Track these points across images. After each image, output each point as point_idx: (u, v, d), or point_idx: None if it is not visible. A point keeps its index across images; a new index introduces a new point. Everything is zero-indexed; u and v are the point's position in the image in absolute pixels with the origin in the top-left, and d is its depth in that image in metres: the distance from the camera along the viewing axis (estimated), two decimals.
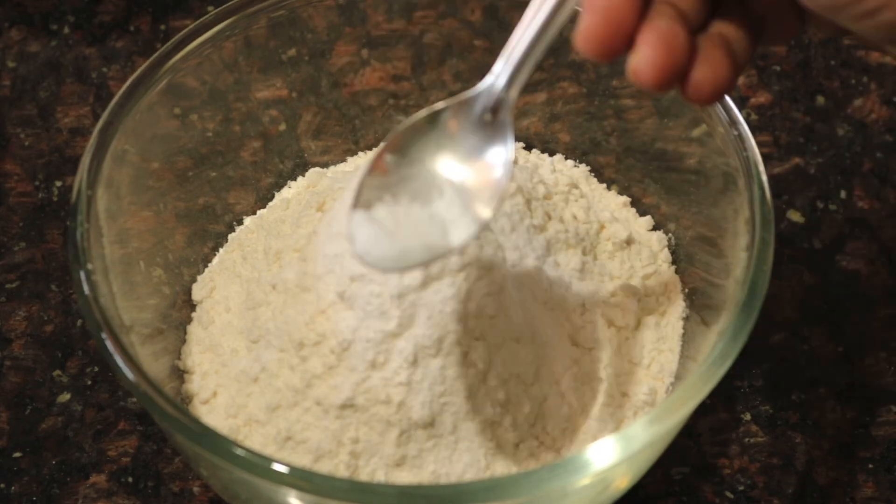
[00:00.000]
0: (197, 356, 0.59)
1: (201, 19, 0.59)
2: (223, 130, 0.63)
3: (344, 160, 0.66)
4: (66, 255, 0.52)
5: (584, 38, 0.42)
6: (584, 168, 0.65)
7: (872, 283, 0.66)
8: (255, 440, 0.55)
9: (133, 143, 0.57)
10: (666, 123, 0.62)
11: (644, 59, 0.42)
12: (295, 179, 0.66)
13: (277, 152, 0.65)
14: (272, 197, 0.65)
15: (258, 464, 0.46)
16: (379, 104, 0.66)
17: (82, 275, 0.51)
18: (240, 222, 0.64)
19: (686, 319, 0.60)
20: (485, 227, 0.47)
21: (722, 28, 0.44)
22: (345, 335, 0.52)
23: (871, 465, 0.60)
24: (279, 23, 0.61)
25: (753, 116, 0.72)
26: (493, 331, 0.53)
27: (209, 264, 0.63)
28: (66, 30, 0.76)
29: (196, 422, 0.48)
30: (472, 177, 0.47)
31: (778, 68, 0.74)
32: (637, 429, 0.48)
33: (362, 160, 0.65)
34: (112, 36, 0.76)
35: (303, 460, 0.53)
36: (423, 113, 0.47)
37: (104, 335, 0.50)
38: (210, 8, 0.75)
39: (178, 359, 0.59)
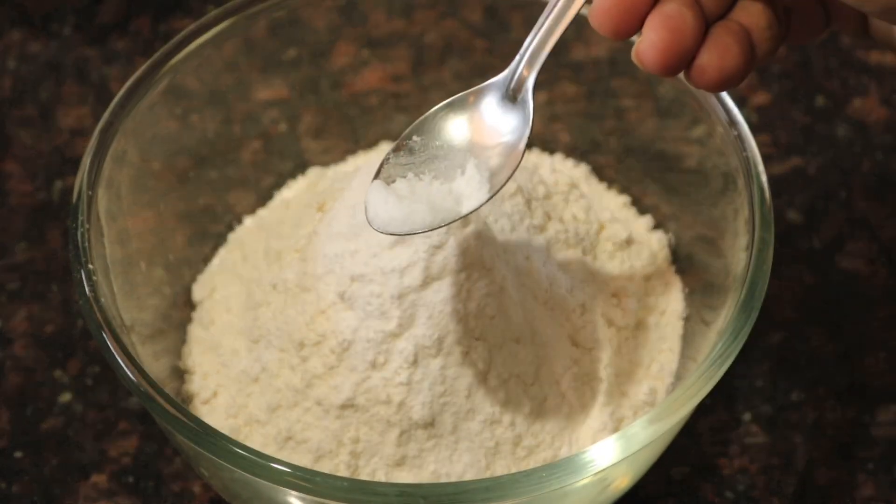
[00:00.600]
0: (197, 356, 0.59)
1: (201, 20, 0.59)
2: (223, 131, 0.63)
3: (344, 160, 0.66)
4: (67, 256, 0.52)
5: (598, 15, 0.43)
6: (584, 168, 0.65)
7: (872, 283, 0.66)
8: (256, 440, 0.55)
9: (133, 143, 0.57)
10: (666, 123, 0.62)
11: (647, 42, 0.43)
12: (295, 179, 0.66)
13: (277, 152, 0.65)
14: (272, 197, 0.65)
15: (259, 464, 0.46)
16: (379, 104, 0.66)
17: (83, 275, 0.51)
18: (240, 222, 0.64)
19: (686, 319, 0.60)
20: (493, 200, 0.49)
21: (742, 16, 0.44)
22: (345, 335, 0.52)
23: (871, 465, 0.60)
24: (279, 23, 0.61)
25: (753, 116, 0.72)
26: (493, 331, 0.53)
27: (209, 264, 0.63)
28: (67, 30, 0.76)
29: (197, 422, 0.48)
30: (492, 155, 0.48)
31: (778, 68, 0.74)
32: (637, 428, 0.48)
33: (362, 160, 0.66)
34: (112, 36, 0.76)
35: (303, 460, 0.53)
36: (448, 100, 0.49)
37: (105, 335, 0.50)
38: (210, 8, 0.75)
39: (179, 359, 0.59)
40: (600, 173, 0.65)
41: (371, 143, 0.66)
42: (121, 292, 0.54)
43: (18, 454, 0.60)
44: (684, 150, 0.61)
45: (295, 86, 0.65)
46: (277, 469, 0.46)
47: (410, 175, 0.49)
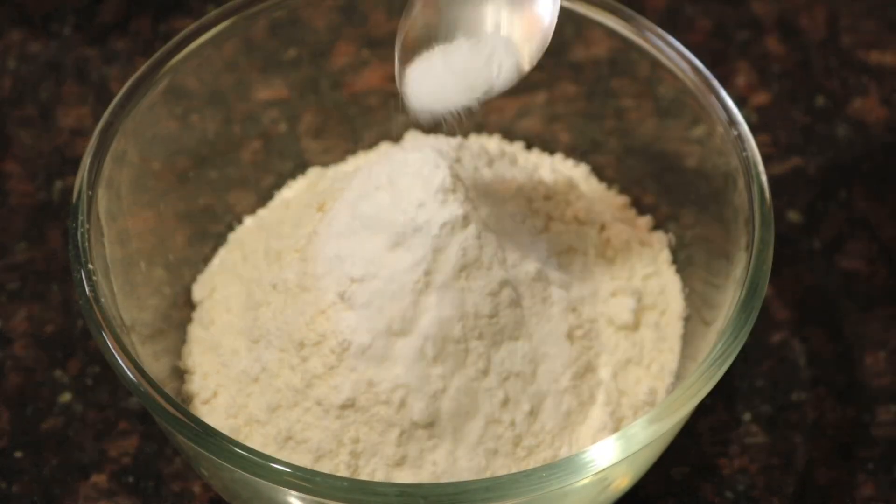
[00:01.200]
0: (197, 356, 0.59)
1: (201, 20, 0.59)
2: (223, 131, 0.63)
3: (344, 160, 0.66)
4: (67, 256, 0.52)
5: None
6: (584, 168, 0.65)
7: (872, 283, 0.66)
8: (256, 440, 0.55)
9: (133, 143, 0.57)
10: (666, 123, 0.62)
11: None
12: (295, 179, 0.66)
13: (277, 152, 0.65)
14: (272, 197, 0.65)
15: (259, 464, 0.46)
16: (379, 104, 0.66)
17: (83, 275, 0.51)
18: (240, 222, 0.64)
19: (686, 319, 0.60)
20: (525, 75, 0.49)
21: None
22: (345, 335, 0.52)
23: (871, 465, 0.60)
24: (279, 23, 0.61)
25: (753, 116, 0.72)
26: (492, 330, 0.53)
27: (209, 264, 0.63)
28: (67, 30, 0.76)
29: (197, 422, 0.48)
30: (519, 24, 0.48)
31: (778, 68, 0.74)
32: (637, 428, 0.48)
33: (362, 160, 0.66)
34: (112, 36, 0.76)
35: (303, 460, 0.53)
36: None
37: (105, 335, 0.50)
38: (210, 8, 0.75)
39: (179, 359, 0.59)
40: (600, 173, 0.65)
41: (371, 144, 0.66)
42: (121, 292, 0.54)
43: (18, 454, 0.60)
44: (684, 150, 0.61)
45: (295, 86, 0.65)
46: (277, 469, 0.46)
47: (440, 35, 0.49)
